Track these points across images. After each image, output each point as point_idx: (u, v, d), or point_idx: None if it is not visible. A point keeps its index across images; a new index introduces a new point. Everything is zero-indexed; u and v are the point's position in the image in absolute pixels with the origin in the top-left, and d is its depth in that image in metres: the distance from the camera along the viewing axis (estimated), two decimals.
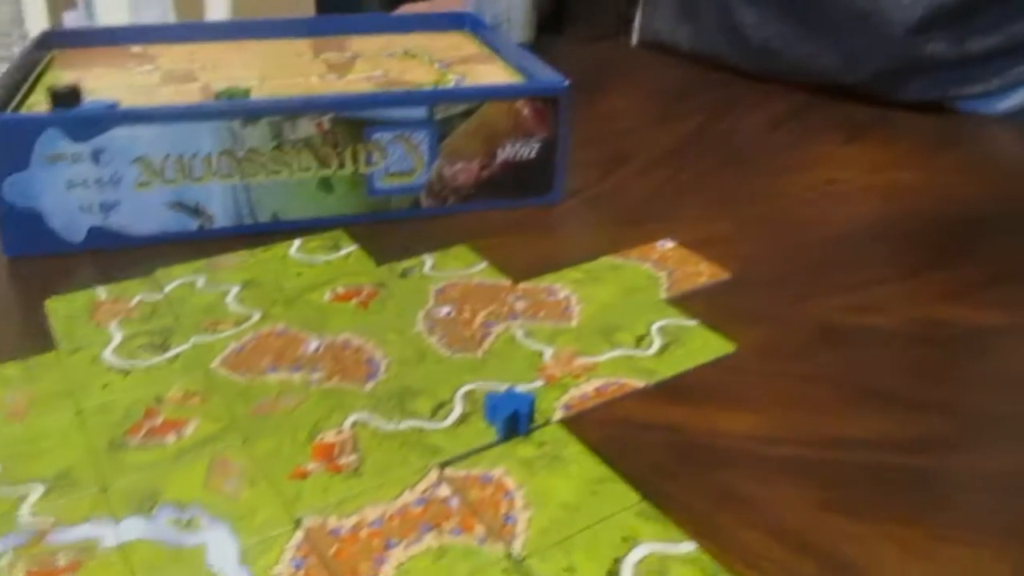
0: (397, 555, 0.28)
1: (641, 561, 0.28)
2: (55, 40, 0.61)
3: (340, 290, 0.44)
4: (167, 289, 0.43)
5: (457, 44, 0.65)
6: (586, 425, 0.35)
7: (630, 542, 0.29)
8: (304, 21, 0.67)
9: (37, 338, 0.40)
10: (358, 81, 0.56)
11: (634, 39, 0.95)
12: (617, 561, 0.28)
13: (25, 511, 0.30)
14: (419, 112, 0.50)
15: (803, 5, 0.75)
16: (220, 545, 0.28)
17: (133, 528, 0.29)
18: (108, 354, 0.38)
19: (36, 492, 0.31)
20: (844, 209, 0.55)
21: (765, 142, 0.66)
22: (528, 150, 0.52)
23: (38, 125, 0.45)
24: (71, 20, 1.76)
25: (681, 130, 0.67)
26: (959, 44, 0.71)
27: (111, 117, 0.45)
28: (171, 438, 0.33)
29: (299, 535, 0.29)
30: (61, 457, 0.32)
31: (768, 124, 0.69)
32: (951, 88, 0.73)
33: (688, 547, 0.29)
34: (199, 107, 0.47)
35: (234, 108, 0.47)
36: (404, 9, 1.00)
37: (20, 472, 0.32)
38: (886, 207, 0.55)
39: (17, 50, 0.74)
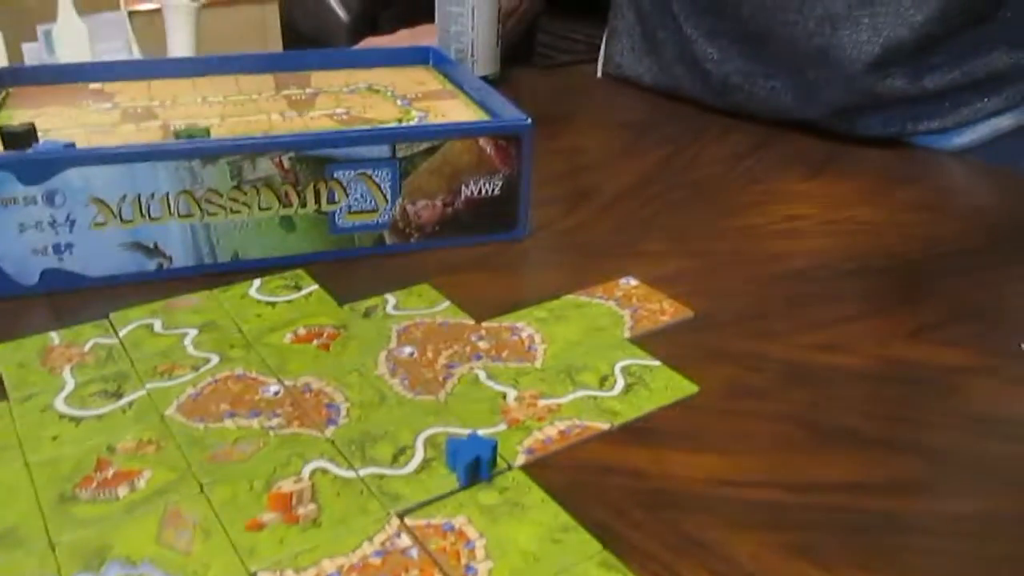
0: None
1: None
2: (8, 78, 0.60)
3: (301, 331, 0.43)
4: (123, 333, 0.42)
5: (420, 79, 0.65)
6: (549, 470, 0.34)
7: None
8: (265, 56, 0.66)
9: None
10: (319, 118, 0.55)
11: (599, 71, 0.96)
12: None
13: None
14: (381, 150, 0.49)
15: (762, 41, 0.76)
16: None
17: None
18: (59, 402, 0.37)
19: None
20: (806, 245, 0.55)
21: (727, 177, 0.66)
22: (492, 187, 0.52)
23: None
24: (31, 53, 1.74)
25: (645, 164, 0.68)
26: (916, 81, 0.72)
27: (65, 159, 0.45)
28: (123, 490, 0.32)
29: None
30: (6, 514, 0.31)
31: (730, 158, 0.70)
32: (908, 123, 0.75)
33: None
34: (156, 147, 0.46)
35: (192, 148, 0.46)
36: (368, 42, 1.00)
37: None
38: (847, 244, 0.55)
39: None
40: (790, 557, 0.31)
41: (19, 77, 0.60)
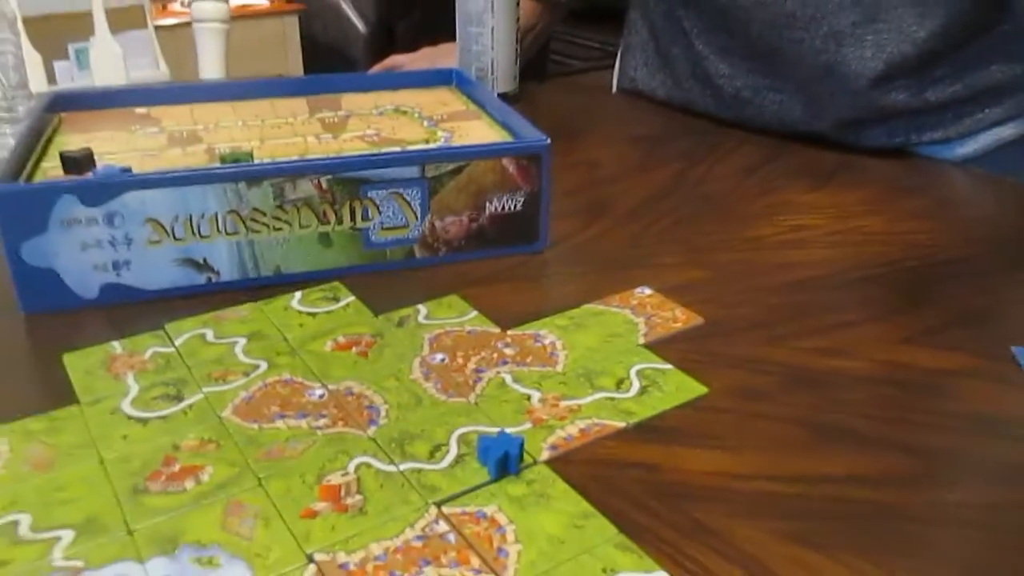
0: None
1: None
2: (61, 103, 0.64)
3: (341, 340, 0.47)
4: (178, 342, 0.46)
5: (444, 100, 0.69)
6: (570, 464, 0.38)
7: (609, 572, 0.32)
8: (299, 81, 0.70)
9: (57, 391, 0.43)
10: (352, 140, 0.59)
11: (613, 86, 0.99)
12: None
13: (57, 555, 0.32)
14: (411, 171, 0.53)
15: (771, 58, 0.79)
16: None
17: (158, 568, 0.32)
18: (126, 405, 0.41)
19: (67, 537, 0.33)
20: (812, 255, 0.58)
21: (738, 189, 0.70)
22: (514, 203, 0.56)
23: (55, 192, 0.48)
24: (62, 71, 1.80)
25: (658, 177, 0.71)
26: (919, 94, 0.75)
27: (124, 183, 0.49)
28: (189, 483, 0.36)
29: (311, 569, 0.32)
30: (88, 504, 0.35)
31: (741, 171, 0.73)
32: (912, 134, 0.78)
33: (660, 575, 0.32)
34: (206, 172, 0.50)
35: (238, 172, 0.50)
36: (392, 60, 1.04)
37: (50, 519, 0.34)
38: (851, 253, 0.59)
39: (23, 109, 0.78)
40: (790, 542, 0.34)
41: (71, 103, 0.65)
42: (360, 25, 3.08)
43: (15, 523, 0.34)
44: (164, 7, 2.86)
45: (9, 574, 0.32)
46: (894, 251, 0.59)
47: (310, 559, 0.32)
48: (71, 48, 1.85)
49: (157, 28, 2.45)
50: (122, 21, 1.55)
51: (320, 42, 3.15)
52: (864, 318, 0.51)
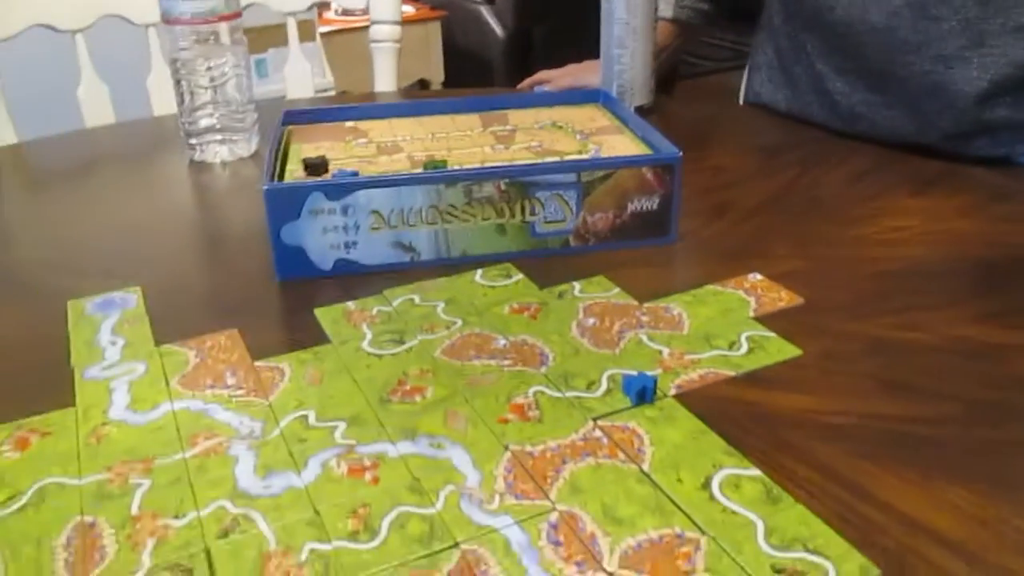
0: (569, 467, 0.45)
1: (723, 479, 0.44)
2: (290, 119, 0.82)
3: (515, 306, 0.61)
4: (395, 304, 0.62)
5: (592, 116, 0.82)
6: (691, 399, 0.51)
7: (716, 467, 0.45)
8: (471, 100, 0.85)
9: (313, 335, 0.59)
10: (520, 151, 0.74)
11: (741, 98, 1.11)
12: (708, 477, 0.44)
13: (338, 435, 0.48)
14: (569, 177, 0.67)
15: (883, 78, 0.89)
16: (460, 458, 0.46)
17: (405, 448, 0.47)
18: (365, 345, 0.57)
19: (342, 425, 0.49)
20: (904, 251, 0.69)
21: (846, 194, 0.80)
22: (651, 204, 0.69)
23: (308, 190, 0.64)
24: None
25: (776, 182, 0.83)
26: (1021, 110, 0.84)
27: (356, 183, 0.65)
28: (417, 398, 0.51)
29: (507, 455, 0.46)
30: (351, 407, 0.51)
31: (850, 178, 0.83)
32: (1016, 145, 0.86)
33: (755, 472, 0.44)
34: (415, 176, 0.66)
35: (439, 176, 0.65)
36: (541, 75, 1.19)
37: (329, 414, 0.50)
38: (939, 250, 0.69)
39: (250, 120, 0.96)
40: (855, 458, 0.46)
41: (297, 118, 0.82)
42: (499, 30, 3.26)
43: (305, 416, 0.50)
44: (319, 15, 3.10)
45: (306, 447, 0.48)
46: (980, 249, 0.68)
47: (506, 448, 0.47)
48: (252, 60, 2.10)
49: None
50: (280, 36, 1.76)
51: (460, 46, 3.34)
52: (942, 302, 0.61)
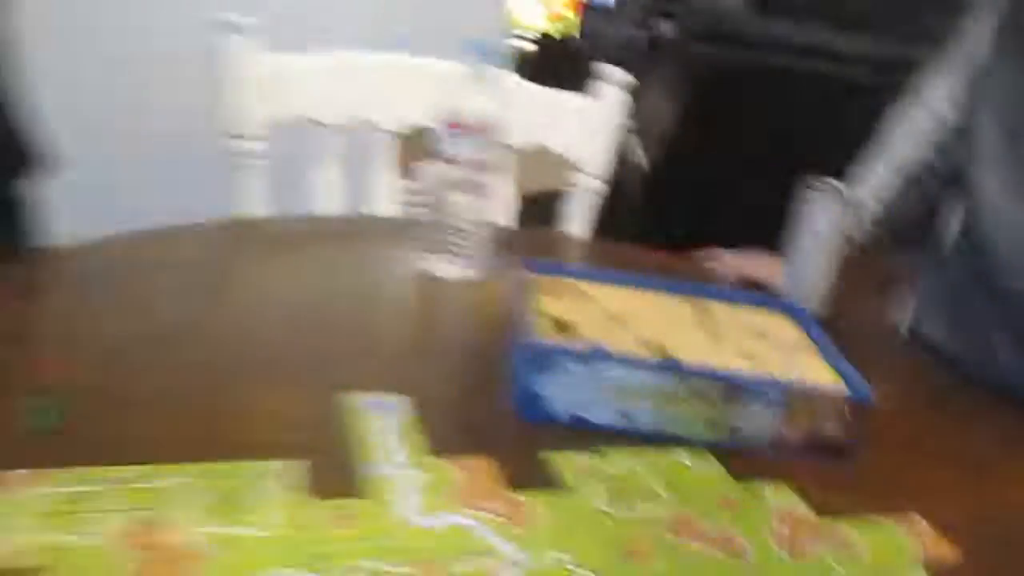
0: None
1: None
2: (532, 267, 0.96)
3: (719, 499, 0.73)
4: (620, 466, 0.74)
5: (784, 328, 0.95)
6: None
7: None
8: (677, 285, 0.99)
9: (550, 480, 0.71)
10: (733, 357, 0.86)
11: (903, 334, 1.21)
12: None
13: None
14: (776, 393, 0.79)
15: None
16: None
17: None
18: (600, 504, 0.69)
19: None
20: None
21: (997, 454, 0.90)
22: (838, 430, 0.80)
23: (561, 353, 0.78)
24: None
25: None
26: None
27: (596, 356, 0.78)
28: (650, 563, 0.63)
29: None
30: (599, 559, 0.63)
31: (1001, 439, 0.93)
32: None
33: None
34: (656, 363, 0.79)
35: (675, 368, 0.79)
36: (718, 264, 1.29)
37: (582, 561, 0.62)
38: None
39: (482, 241, 1.10)
40: None
41: (539, 269, 0.97)
42: (643, 163, 3.44)
43: (560, 558, 0.62)
44: None
45: None
46: None
47: None
48: None
49: None
50: None
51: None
52: None
